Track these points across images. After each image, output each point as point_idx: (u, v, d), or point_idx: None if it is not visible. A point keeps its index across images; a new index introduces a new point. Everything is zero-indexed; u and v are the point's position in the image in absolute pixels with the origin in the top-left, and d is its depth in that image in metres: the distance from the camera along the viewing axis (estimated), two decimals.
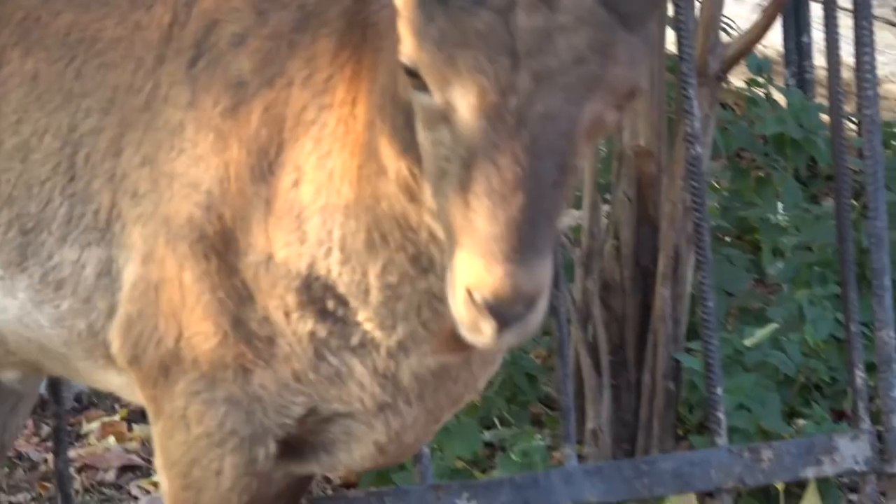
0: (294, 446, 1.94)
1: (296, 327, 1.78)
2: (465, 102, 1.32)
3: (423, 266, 1.70)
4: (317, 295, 1.77)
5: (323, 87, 1.74)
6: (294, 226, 1.75)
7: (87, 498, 3.77)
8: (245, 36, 1.82)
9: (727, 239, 4.83)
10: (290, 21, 1.81)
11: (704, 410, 3.40)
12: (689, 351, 3.56)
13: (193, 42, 1.85)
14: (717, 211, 4.75)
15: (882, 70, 4.66)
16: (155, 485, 3.76)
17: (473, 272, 1.28)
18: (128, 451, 3.99)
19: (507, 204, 1.27)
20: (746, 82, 5.31)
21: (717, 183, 5.09)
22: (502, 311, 1.27)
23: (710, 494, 3.28)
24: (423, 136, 1.44)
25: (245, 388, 1.84)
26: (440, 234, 1.54)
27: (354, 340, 1.79)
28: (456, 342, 1.52)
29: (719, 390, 3.11)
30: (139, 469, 3.99)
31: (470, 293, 1.29)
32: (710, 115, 3.43)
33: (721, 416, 3.11)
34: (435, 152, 1.41)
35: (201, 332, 1.83)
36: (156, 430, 1.98)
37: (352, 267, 1.73)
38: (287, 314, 1.78)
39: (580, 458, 3.27)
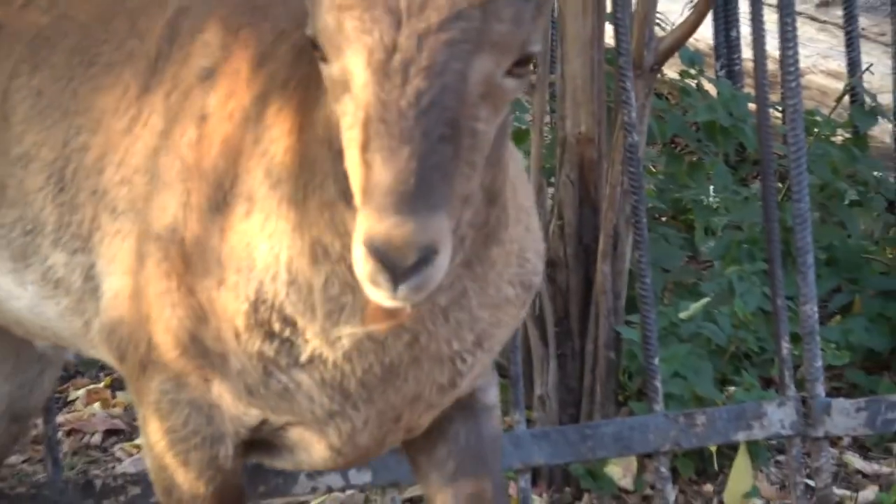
0: (260, 444, 2.02)
1: (245, 347, 1.79)
2: (356, 65, 1.32)
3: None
4: (264, 317, 1.77)
5: (273, 119, 1.74)
6: (244, 254, 1.75)
7: (75, 459, 3.89)
8: (212, 71, 1.86)
9: (663, 219, 4.95)
10: (249, 58, 1.84)
11: (643, 378, 3.48)
12: (628, 323, 3.67)
13: (171, 74, 1.91)
14: (654, 193, 4.85)
15: (804, 62, 4.83)
16: (137, 448, 3.83)
17: (367, 224, 1.27)
18: (112, 417, 4.10)
19: (396, 157, 1.27)
20: (679, 74, 5.36)
21: (654, 167, 5.24)
22: (395, 262, 1.26)
23: (649, 456, 3.42)
24: (335, 111, 1.45)
25: (206, 394, 1.89)
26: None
27: (303, 358, 1.79)
28: (382, 311, 1.48)
29: (656, 360, 3.22)
30: (122, 433, 4.10)
31: (366, 246, 1.27)
32: (646, 104, 3.54)
33: (658, 383, 3.23)
34: (345, 125, 1.39)
35: (165, 342, 1.87)
36: (139, 416, 2.07)
37: (297, 287, 1.73)
38: (237, 335, 1.78)
39: (529, 423, 3.36)
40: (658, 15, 3.92)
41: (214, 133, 1.80)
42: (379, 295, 1.34)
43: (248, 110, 1.77)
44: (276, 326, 1.76)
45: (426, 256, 1.25)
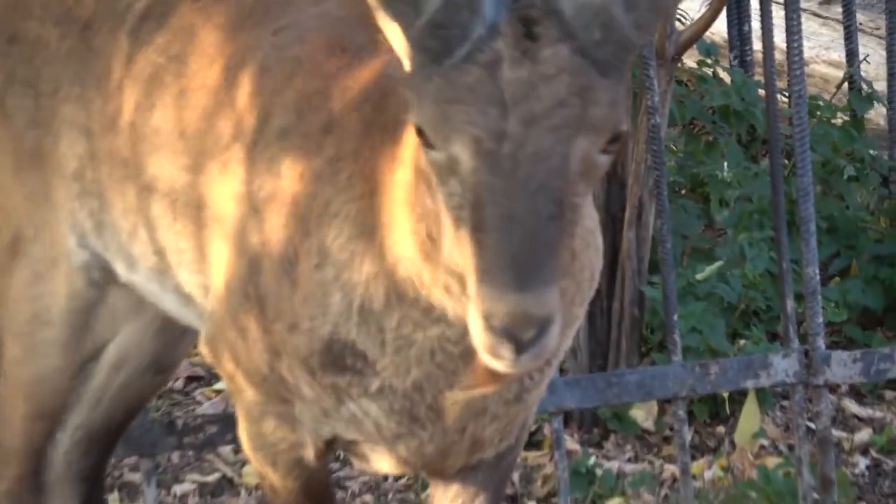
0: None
1: (319, 380, 1.85)
2: (464, 152, 1.33)
3: (436, 316, 1.70)
4: (337, 354, 1.81)
5: (346, 184, 1.77)
6: (318, 302, 1.78)
7: (160, 402, 4.10)
8: (287, 131, 1.87)
9: (682, 192, 5.19)
10: (320, 124, 1.83)
11: (663, 332, 3.70)
12: (650, 284, 3.90)
13: (253, 128, 1.91)
14: (674, 169, 5.10)
15: (808, 53, 5.17)
16: (216, 392, 4.19)
17: (488, 302, 1.29)
18: (193, 365, 4.29)
19: (510, 238, 1.29)
20: (697, 63, 5.62)
21: (674, 146, 5.46)
22: (517, 335, 1.28)
23: (668, 401, 3.63)
24: (439, 193, 1.44)
25: (289, 410, 1.96)
26: (454, 287, 1.55)
27: (373, 388, 1.82)
28: (489, 375, 1.53)
29: (675, 316, 3.38)
30: (202, 379, 4.40)
31: (486, 321, 1.29)
32: (668, 90, 3.76)
33: (677, 337, 3.38)
34: (449, 203, 1.39)
35: (248, 369, 1.96)
36: (237, 411, 2.14)
37: (368, 328, 1.76)
38: (311, 372, 1.84)
39: (562, 371, 3.50)
40: (679, 11, 4.24)
41: (286, 191, 1.83)
42: (500, 365, 1.37)
43: (318, 173, 1.80)
44: (349, 361, 1.81)
45: (543, 328, 1.28)
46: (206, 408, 4.21)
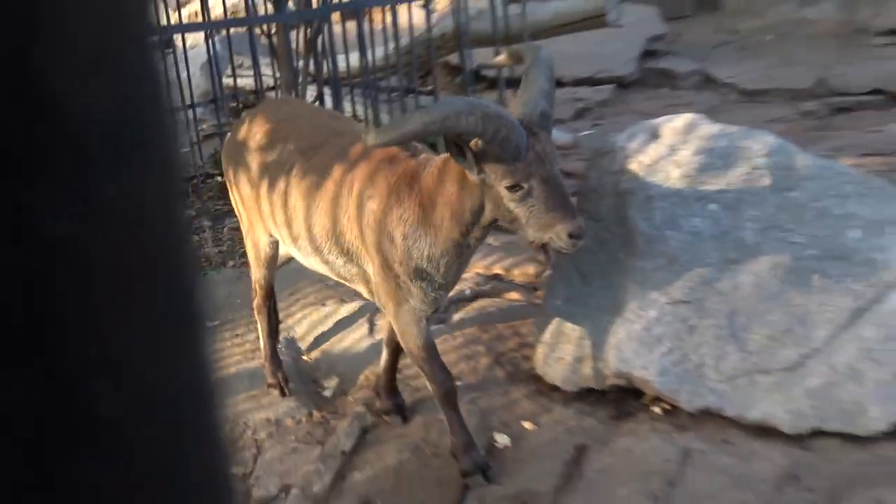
0: None
1: (418, 287, 3.31)
2: (536, 182, 2.89)
3: (463, 254, 3.30)
4: (420, 274, 3.28)
5: (407, 207, 3.24)
6: (406, 254, 3.25)
7: None
8: (371, 196, 3.32)
9: None
10: (386, 185, 3.29)
11: None
12: None
13: (350, 189, 3.39)
14: None
15: None
16: None
17: (570, 224, 2.88)
18: None
19: (564, 201, 2.92)
20: None
21: None
22: (580, 235, 2.90)
23: None
24: (512, 204, 2.93)
25: (412, 304, 3.37)
26: (474, 241, 3.25)
27: (435, 284, 3.32)
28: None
29: None
30: None
31: (573, 230, 2.88)
32: None
33: None
34: (521, 203, 2.92)
35: (388, 290, 3.39)
36: (387, 314, 3.55)
37: (433, 263, 3.25)
38: (410, 281, 3.31)
39: None
40: None
41: (381, 222, 3.30)
42: (571, 247, 2.95)
43: (391, 208, 3.26)
44: (425, 275, 3.29)
45: (584, 229, 2.96)
46: None
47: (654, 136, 3.80)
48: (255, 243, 4.05)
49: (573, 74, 8.69)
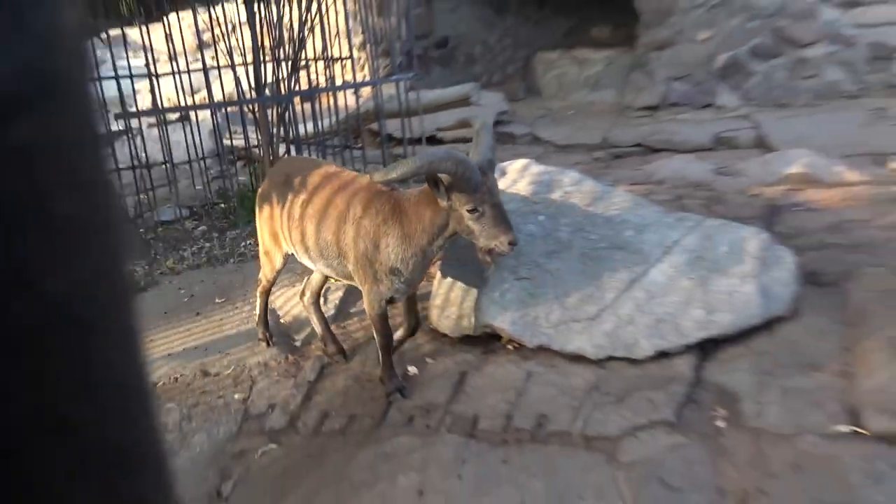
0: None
1: (388, 277, 3.12)
2: (489, 207, 2.84)
3: (427, 257, 3.11)
4: (393, 270, 3.09)
5: (390, 224, 3.07)
6: (385, 257, 3.08)
7: None
8: (365, 217, 3.12)
9: None
10: (375, 212, 3.10)
11: None
12: None
13: (352, 218, 3.17)
14: None
15: None
16: None
17: (508, 237, 2.83)
18: None
19: (506, 220, 2.85)
20: None
21: None
22: (515, 242, 2.84)
23: None
24: (472, 222, 2.87)
25: (380, 287, 3.15)
26: (436, 248, 3.09)
27: (403, 278, 3.12)
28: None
29: None
30: None
31: (511, 240, 2.83)
32: None
33: None
34: (480, 222, 2.86)
35: (366, 278, 3.17)
36: (364, 293, 3.26)
37: (404, 263, 3.08)
38: (386, 276, 3.12)
39: None
40: None
41: (369, 233, 3.11)
42: (510, 251, 2.89)
43: (377, 225, 3.10)
44: (396, 272, 3.11)
45: (517, 240, 2.88)
46: None
47: (503, 173, 3.79)
48: (273, 257, 3.69)
49: (452, 136, 8.66)
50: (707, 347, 3.39)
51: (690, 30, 9.09)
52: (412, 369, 3.55)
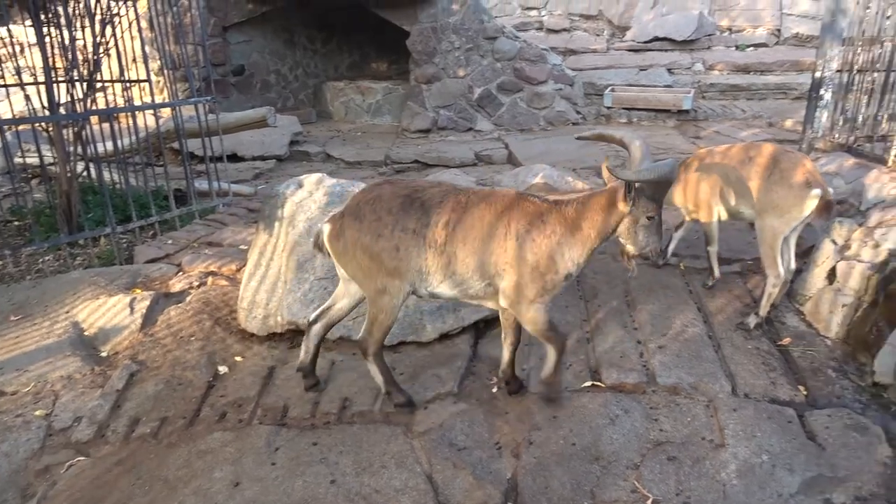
0: None
1: (558, 286, 2.62)
2: (658, 217, 2.52)
3: (592, 256, 2.66)
4: (567, 277, 2.60)
5: (561, 233, 2.55)
6: (562, 264, 2.58)
7: None
8: (530, 230, 2.55)
9: None
10: (546, 224, 2.56)
11: None
12: None
13: (517, 232, 2.56)
14: None
15: None
16: None
17: (657, 246, 2.56)
18: None
19: (661, 229, 2.59)
20: None
21: None
22: (660, 252, 2.83)
23: None
24: (639, 228, 2.52)
25: (544, 297, 2.61)
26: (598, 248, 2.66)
27: (570, 280, 2.67)
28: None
29: None
30: None
31: (655, 252, 2.58)
32: None
33: None
34: (645, 228, 2.51)
35: (529, 293, 2.59)
36: (520, 310, 2.64)
37: (577, 267, 2.61)
38: (558, 284, 2.61)
39: None
40: None
41: (540, 246, 2.56)
42: (654, 259, 2.67)
43: (549, 236, 2.57)
44: (569, 276, 2.61)
45: None
46: None
47: (300, 185, 3.60)
48: (393, 296, 2.66)
49: (252, 153, 8.18)
50: (481, 327, 3.49)
51: (451, 67, 9.43)
52: (223, 368, 3.26)
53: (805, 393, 2.89)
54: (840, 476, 2.37)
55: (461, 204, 2.59)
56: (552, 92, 9.51)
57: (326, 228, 2.74)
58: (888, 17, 5.24)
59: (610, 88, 9.63)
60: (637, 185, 2.44)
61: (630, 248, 2.58)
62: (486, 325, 3.49)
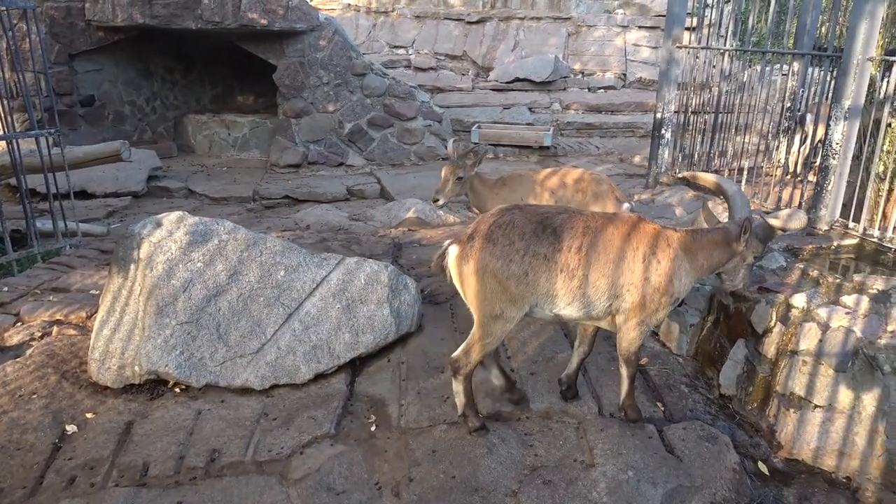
0: None
1: (669, 308, 2.74)
2: (754, 259, 2.86)
3: (698, 275, 2.84)
4: (677, 300, 2.74)
5: (682, 260, 2.72)
6: (678, 288, 2.71)
7: None
8: (655, 253, 2.67)
9: None
10: (670, 249, 2.69)
11: None
12: None
13: (643, 254, 2.64)
14: None
15: None
16: None
17: (748, 283, 2.93)
18: None
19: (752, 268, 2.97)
20: None
21: None
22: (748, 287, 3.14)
23: None
24: (743, 265, 2.85)
25: (656, 317, 2.72)
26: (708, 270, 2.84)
27: (678, 304, 2.90)
28: None
29: None
30: None
31: (747, 287, 2.98)
32: None
33: None
34: (746, 268, 2.84)
35: (643, 314, 2.70)
36: (625, 328, 2.74)
37: (685, 293, 2.79)
38: (669, 305, 2.72)
39: None
40: None
41: (665, 269, 2.66)
42: (743, 292, 3.11)
43: (672, 260, 2.68)
44: (677, 300, 2.74)
45: None
46: None
47: (158, 224, 3.39)
48: (507, 320, 2.64)
49: (104, 190, 7.59)
50: (357, 364, 3.43)
51: (321, 102, 9.39)
52: (71, 428, 2.94)
53: (663, 409, 3.11)
54: (697, 485, 2.56)
55: (591, 228, 2.64)
56: (422, 128, 9.73)
57: (455, 250, 2.68)
58: (714, 66, 5.92)
59: (476, 125, 10.02)
60: (754, 227, 2.75)
61: (728, 284, 2.89)
62: (362, 363, 3.44)
